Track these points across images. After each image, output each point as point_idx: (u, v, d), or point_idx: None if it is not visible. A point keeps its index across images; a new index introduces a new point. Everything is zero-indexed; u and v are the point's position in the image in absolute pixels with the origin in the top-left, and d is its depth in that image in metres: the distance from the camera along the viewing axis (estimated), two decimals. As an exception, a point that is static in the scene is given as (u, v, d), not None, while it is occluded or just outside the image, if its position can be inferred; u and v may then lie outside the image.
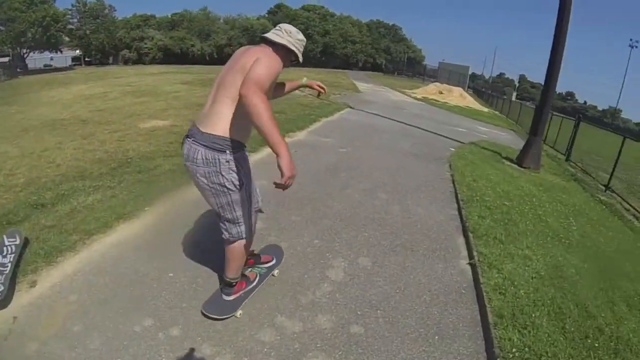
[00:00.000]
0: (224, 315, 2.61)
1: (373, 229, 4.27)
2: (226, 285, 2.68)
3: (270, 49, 2.35)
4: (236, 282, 2.70)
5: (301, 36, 2.51)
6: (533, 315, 3.03)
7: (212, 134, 2.23)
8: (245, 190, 2.41)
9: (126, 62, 49.18)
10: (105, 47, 49.00)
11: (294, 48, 2.44)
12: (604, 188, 8.92)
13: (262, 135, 1.95)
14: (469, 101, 28.22)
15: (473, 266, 3.75)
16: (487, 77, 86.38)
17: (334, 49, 60.96)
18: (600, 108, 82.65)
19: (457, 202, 5.43)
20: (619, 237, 5.87)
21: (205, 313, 2.60)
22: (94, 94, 13.94)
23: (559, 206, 6.36)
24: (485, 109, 26.78)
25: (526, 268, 3.81)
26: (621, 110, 69.71)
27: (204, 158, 2.24)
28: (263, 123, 1.93)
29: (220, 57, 49.92)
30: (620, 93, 74.12)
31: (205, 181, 2.30)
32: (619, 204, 7.99)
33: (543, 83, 8.96)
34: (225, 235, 2.52)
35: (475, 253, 3.94)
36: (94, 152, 5.83)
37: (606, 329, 3.06)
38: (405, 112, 15.12)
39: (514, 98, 48.28)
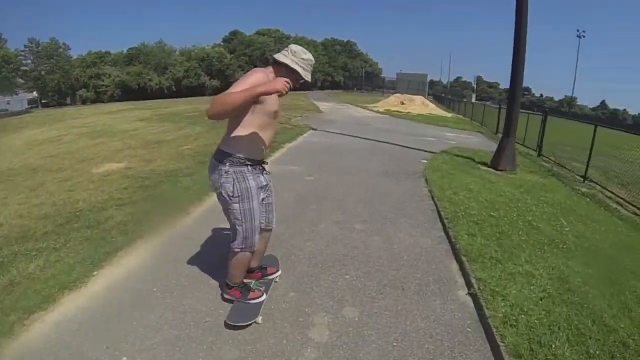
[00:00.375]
0: (246, 321, 2.79)
1: (354, 268, 3.70)
2: (225, 284, 3.00)
3: (272, 68, 2.64)
4: (232, 287, 2.98)
5: (307, 56, 2.66)
6: (553, 345, 2.69)
7: (220, 149, 2.63)
8: (241, 204, 2.66)
9: (84, 101, 48.01)
10: (61, 87, 47.74)
11: (296, 67, 2.60)
12: (581, 179, 8.66)
13: (242, 106, 2.41)
14: (432, 108, 28.36)
15: (474, 296, 3.29)
16: (444, 82, 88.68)
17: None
18: (556, 99, 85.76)
19: (442, 221, 4.96)
20: (611, 230, 5.57)
21: (231, 323, 2.75)
22: (48, 137, 13.21)
23: (546, 207, 6.02)
24: (449, 114, 26.87)
25: (531, 288, 3.42)
26: (576, 98, 72.35)
27: (210, 167, 2.68)
28: (227, 102, 2.34)
29: (178, 90, 49.29)
30: (574, 82, 76.79)
31: (212, 186, 2.68)
32: (600, 193, 7.75)
33: (509, 85, 8.77)
34: (231, 244, 2.81)
35: (473, 280, 3.48)
36: (41, 207, 5.13)
37: (629, 341, 2.82)
38: (370, 127, 14.80)
39: (473, 99, 49.25)
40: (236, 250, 2.80)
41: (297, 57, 2.60)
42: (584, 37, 63.62)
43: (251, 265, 3.13)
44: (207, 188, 5.11)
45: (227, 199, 2.63)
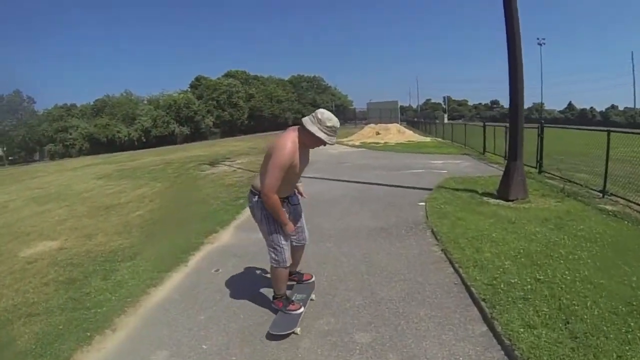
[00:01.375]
0: (286, 331, 3.19)
1: None
2: (273, 296, 3.58)
3: (297, 132, 3.14)
4: (276, 298, 3.53)
5: (332, 123, 3.10)
6: None
7: (253, 185, 3.34)
8: (267, 227, 3.29)
9: (52, 156, 45.72)
10: (28, 143, 45.57)
11: (320, 135, 3.06)
12: (599, 193, 7.38)
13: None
14: (409, 135, 27.42)
15: None
16: (414, 106, 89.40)
17: (261, 112, 60.42)
18: (526, 107, 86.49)
19: (478, 306, 3.43)
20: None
21: (273, 333, 3.15)
22: (-6, 204, 11.56)
23: (590, 246, 4.69)
24: (428, 138, 25.90)
25: None
26: (544, 104, 73.37)
27: (247, 198, 3.44)
28: (273, 212, 3.17)
29: (148, 141, 47.64)
30: (542, 88, 78.42)
31: (257, 218, 3.34)
32: (628, 208, 6.52)
33: (509, 102, 7.54)
34: (269, 260, 3.39)
35: None
36: None
37: None
38: (349, 165, 13.35)
39: (446, 120, 49.06)
40: (273, 265, 3.37)
41: (322, 125, 3.06)
42: (544, 44, 65.09)
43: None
44: (147, 281, 4.37)
45: (260, 221, 3.31)
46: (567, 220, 5.80)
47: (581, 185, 8.06)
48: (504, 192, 7.28)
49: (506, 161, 7.78)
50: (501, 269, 4.03)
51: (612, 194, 7.22)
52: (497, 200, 7.16)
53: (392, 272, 4.34)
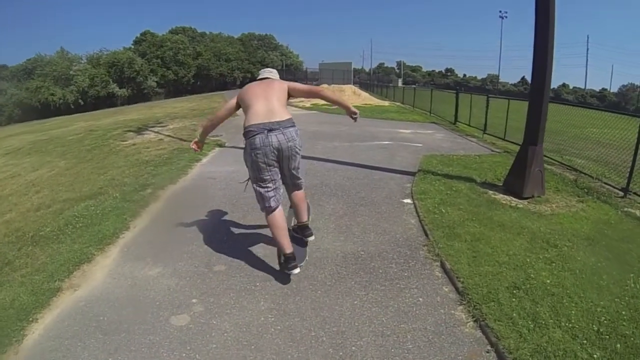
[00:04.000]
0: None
1: None
2: (307, 228, 3.61)
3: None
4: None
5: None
6: None
7: (291, 119, 3.35)
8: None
9: None
10: None
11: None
12: (620, 192, 5.65)
13: (338, 104, 3.80)
14: (365, 97, 25.13)
15: None
16: (367, 69, 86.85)
17: (209, 71, 55.91)
18: (480, 77, 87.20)
19: None
20: None
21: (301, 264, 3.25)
22: None
23: None
24: (386, 103, 23.78)
25: None
26: (498, 76, 73.53)
27: (296, 133, 3.33)
28: (336, 98, 3.85)
29: (86, 104, 42.11)
30: (500, 60, 78.06)
31: (299, 150, 3.33)
32: None
33: (532, 74, 5.35)
34: (301, 183, 3.52)
35: None
36: None
37: None
38: (299, 132, 10.90)
39: (400, 84, 47.42)
40: (303, 188, 3.59)
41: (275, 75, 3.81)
42: (506, 17, 64.25)
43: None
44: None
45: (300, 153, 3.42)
46: (615, 240, 3.96)
47: (593, 177, 6.27)
48: (515, 185, 5.33)
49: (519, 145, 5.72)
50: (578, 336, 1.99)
51: (634, 193, 5.51)
52: (509, 198, 5.20)
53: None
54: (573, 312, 2.69)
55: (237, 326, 2.65)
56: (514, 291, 2.93)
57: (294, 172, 3.37)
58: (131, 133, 11.85)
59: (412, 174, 6.25)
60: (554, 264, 3.34)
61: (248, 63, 60.54)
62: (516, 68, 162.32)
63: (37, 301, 3.02)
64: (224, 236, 4.04)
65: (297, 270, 3.13)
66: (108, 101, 43.41)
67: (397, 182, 5.84)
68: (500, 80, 73.68)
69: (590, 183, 5.97)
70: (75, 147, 10.71)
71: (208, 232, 4.15)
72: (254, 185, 3.27)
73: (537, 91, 5.29)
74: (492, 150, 8.56)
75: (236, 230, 4.20)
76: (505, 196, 5.26)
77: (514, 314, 2.66)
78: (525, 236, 3.92)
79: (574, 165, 7.00)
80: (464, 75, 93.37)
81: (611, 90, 69.70)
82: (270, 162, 3.17)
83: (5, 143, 15.48)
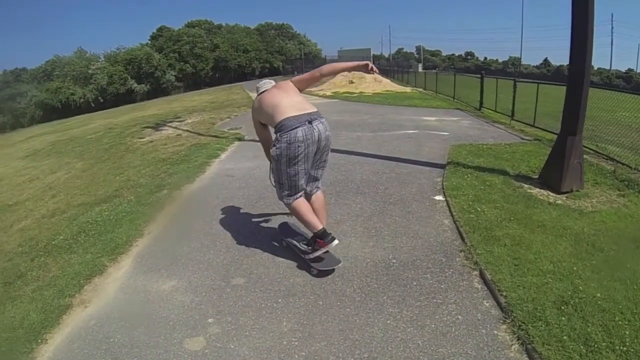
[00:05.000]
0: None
1: None
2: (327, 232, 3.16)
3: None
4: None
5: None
6: None
7: (317, 111, 3.16)
8: None
9: (2, 129, 39.95)
10: None
11: None
12: None
13: (345, 69, 3.60)
14: (386, 84, 24.51)
15: None
16: (386, 55, 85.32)
17: (227, 62, 55.76)
18: (501, 60, 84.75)
19: None
20: None
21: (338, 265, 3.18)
22: None
23: None
24: (408, 89, 23.18)
25: None
26: (520, 58, 71.20)
27: (325, 125, 3.14)
28: (340, 67, 3.60)
29: (106, 101, 42.64)
30: (522, 41, 75.56)
31: (329, 139, 3.19)
32: None
33: (570, 58, 4.89)
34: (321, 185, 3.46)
35: None
36: None
37: None
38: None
39: (420, 69, 46.34)
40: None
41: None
42: (529, -2, 62.01)
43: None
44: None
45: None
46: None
47: (630, 167, 5.76)
48: (552, 179, 4.91)
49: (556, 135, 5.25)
50: None
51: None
52: (545, 192, 4.79)
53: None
54: (627, 332, 2.34)
55: (257, 351, 2.39)
56: (562, 307, 2.59)
57: (324, 163, 3.33)
58: (149, 129, 11.73)
59: (442, 166, 5.88)
60: (602, 273, 2.96)
61: (266, 53, 60.19)
62: (538, 49, 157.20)
63: (47, 320, 2.85)
64: (243, 243, 3.78)
65: (336, 242, 3.11)
66: (127, 97, 43.74)
67: (427, 176, 5.48)
68: (522, 63, 71.31)
69: (629, 174, 5.47)
70: (93, 147, 10.67)
71: (225, 239, 3.90)
72: (282, 178, 3.12)
73: (576, 75, 4.83)
74: (522, 139, 8.06)
75: (256, 237, 3.93)
76: (541, 190, 4.85)
77: (564, 336, 2.32)
78: (568, 238, 3.53)
79: (610, 154, 6.48)
80: (485, 58, 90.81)
81: (638, 71, 66.59)
82: (309, 155, 3.06)
83: (27, 145, 15.68)
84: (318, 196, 3.37)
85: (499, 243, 3.40)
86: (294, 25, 69.66)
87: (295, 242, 3.44)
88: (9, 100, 41.08)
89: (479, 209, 4.12)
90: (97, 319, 2.84)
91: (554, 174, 4.92)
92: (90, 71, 44.55)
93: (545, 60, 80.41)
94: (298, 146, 2.94)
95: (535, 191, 4.82)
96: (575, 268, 3.04)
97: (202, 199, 5.15)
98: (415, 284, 2.95)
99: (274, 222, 4.17)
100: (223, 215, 4.52)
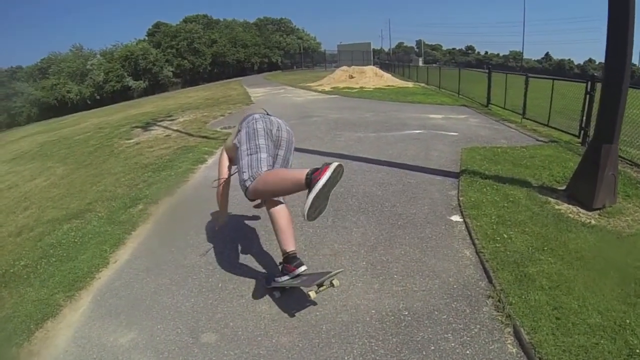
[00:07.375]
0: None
1: None
2: (296, 257, 2.69)
3: None
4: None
5: None
6: None
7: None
8: None
9: None
10: None
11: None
12: None
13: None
14: (387, 78, 23.79)
15: None
16: (386, 49, 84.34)
17: (225, 57, 54.91)
18: (502, 54, 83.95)
19: None
20: None
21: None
22: None
23: None
24: (410, 84, 22.41)
25: None
26: (522, 52, 70.33)
27: (286, 125, 3.08)
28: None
29: (102, 98, 41.88)
30: (524, 35, 74.72)
31: (293, 140, 3.09)
32: None
33: (605, 55, 4.18)
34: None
35: None
36: None
37: None
38: (317, 121, 9.79)
39: (421, 63, 45.69)
40: None
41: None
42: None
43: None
44: None
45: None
46: None
47: None
48: (582, 193, 4.27)
49: (585, 142, 4.55)
50: None
51: None
52: (575, 209, 4.15)
53: None
54: None
55: None
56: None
57: (286, 163, 3.06)
58: (138, 129, 11.10)
59: (455, 175, 5.22)
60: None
61: (265, 48, 59.38)
62: (538, 43, 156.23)
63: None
64: (219, 282, 3.13)
65: (303, 268, 2.67)
66: (124, 94, 43.08)
67: (439, 189, 4.82)
68: (523, 57, 70.59)
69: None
70: (78, 149, 10.04)
71: (199, 276, 3.26)
72: (243, 162, 2.68)
73: (614, 73, 4.14)
74: (538, 140, 7.39)
75: (236, 273, 3.27)
76: (570, 207, 4.20)
77: None
78: (613, 275, 2.88)
79: (633, 158, 5.81)
80: (485, 52, 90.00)
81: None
82: (270, 133, 2.88)
83: (16, 146, 15.06)
84: (281, 209, 2.76)
85: (534, 285, 2.75)
86: (293, 19, 68.94)
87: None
88: (4, 99, 40.34)
89: (505, 235, 3.45)
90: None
91: (584, 187, 4.27)
92: (87, 67, 43.90)
93: (547, 54, 79.66)
94: (256, 120, 2.88)
95: (564, 207, 4.17)
96: (628, 321, 2.40)
97: (180, 217, 4.51)
98: (433, 348, 2.29)
99: (260, 257, 3.52)
100: (200, 239, 3.89)
